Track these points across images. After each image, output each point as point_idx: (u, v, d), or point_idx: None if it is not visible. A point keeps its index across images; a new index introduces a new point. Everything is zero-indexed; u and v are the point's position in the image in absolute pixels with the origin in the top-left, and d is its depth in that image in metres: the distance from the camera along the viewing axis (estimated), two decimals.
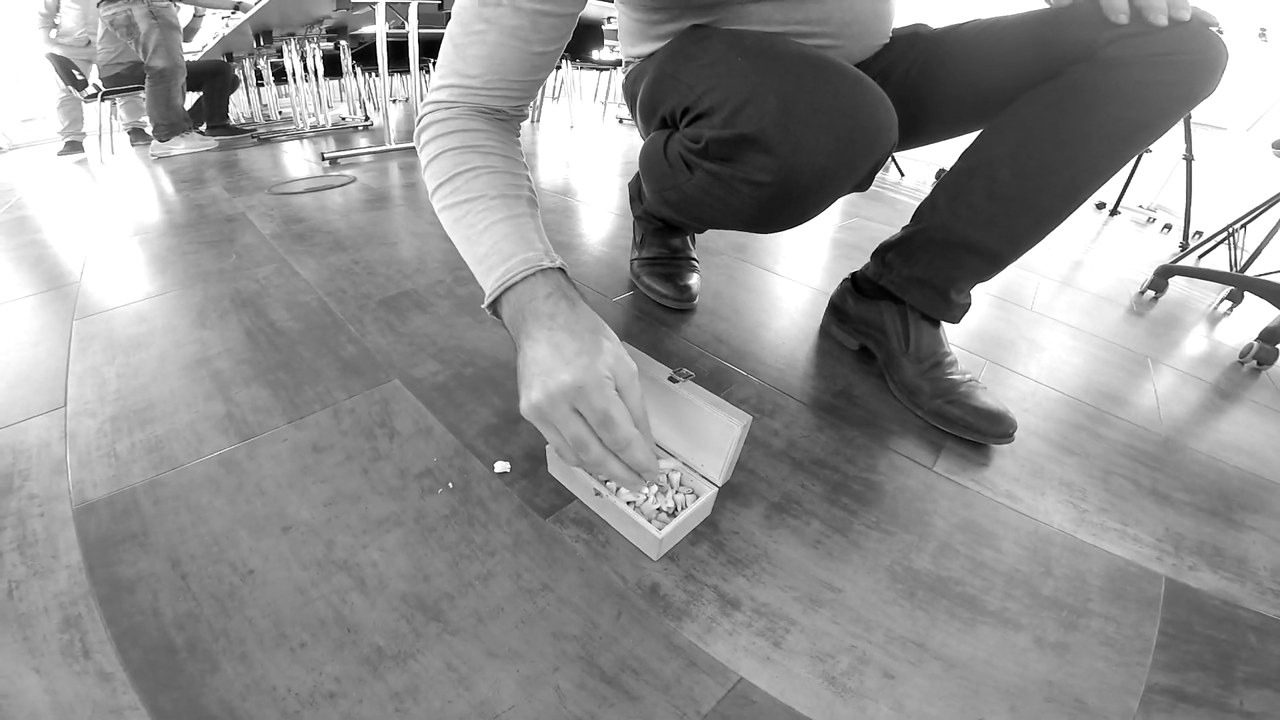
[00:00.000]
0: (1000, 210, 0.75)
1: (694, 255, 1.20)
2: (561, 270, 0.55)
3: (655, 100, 0.79)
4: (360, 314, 1.05)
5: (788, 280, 1.35)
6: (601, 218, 1.71)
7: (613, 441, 0.47)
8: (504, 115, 0.63)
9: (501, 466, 0.69)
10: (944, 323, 0.93)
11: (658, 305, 1.14)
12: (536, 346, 0.49)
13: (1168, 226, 2.73)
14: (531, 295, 0.52)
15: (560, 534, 0.62)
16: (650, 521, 0.59)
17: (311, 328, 1.00)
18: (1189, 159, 2.46)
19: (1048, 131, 0.69)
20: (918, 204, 0.88)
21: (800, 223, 0.74)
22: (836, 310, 1.06)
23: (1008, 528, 0.70)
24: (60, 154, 2.87)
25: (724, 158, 0.67)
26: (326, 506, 0.64)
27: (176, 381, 0.86)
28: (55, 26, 2.90)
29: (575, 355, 0.48)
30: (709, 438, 0.62)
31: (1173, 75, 0.62)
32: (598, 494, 0.61)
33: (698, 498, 0.63)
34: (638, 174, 1.15)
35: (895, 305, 0.94)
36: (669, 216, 1.01)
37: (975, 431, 0.81)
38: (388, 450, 0.72)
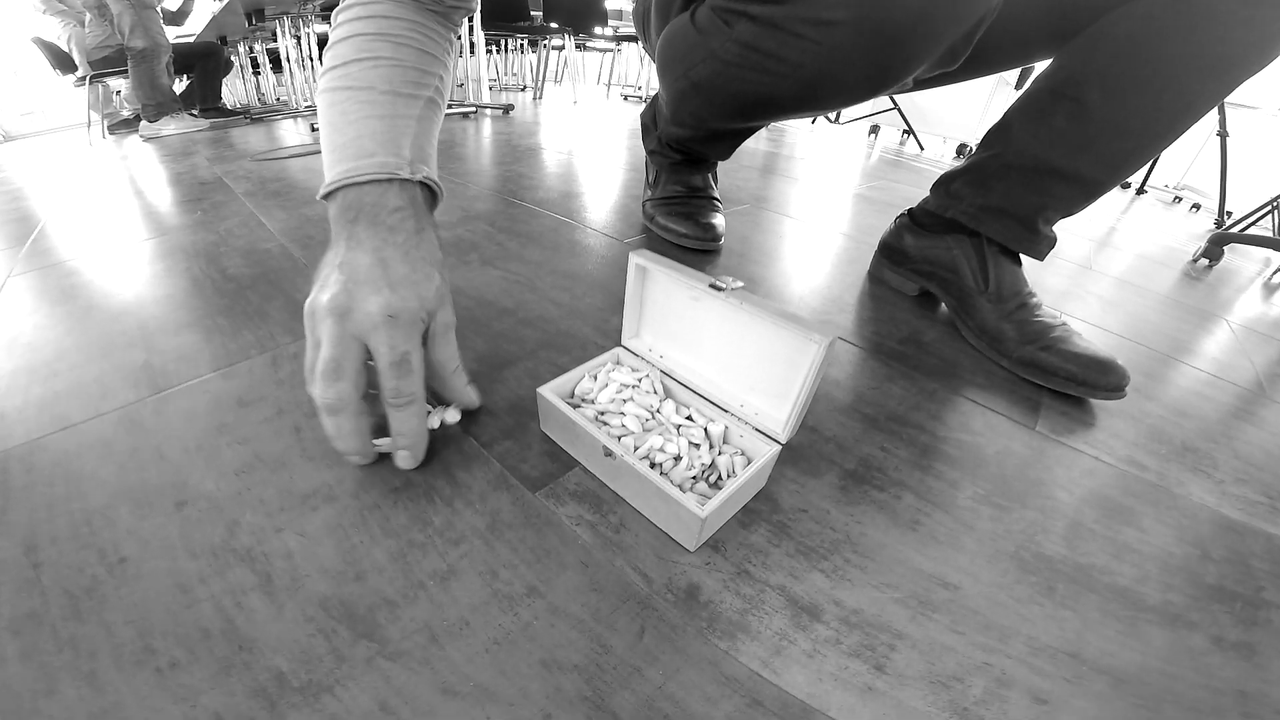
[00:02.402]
0: (1092, 134, 0.63)
1: (716, 195, 0.99)
2: (426, 186, 0.48)
3: None
4: None
5: (818, 228, 1.15)
6: (609, 171, 1.50)
7: (395, 391, 0.41)
8: (440, 5, 0.53)
9: (452, 416, 0.49)
10: (1024, 261, 0.75)
11: (676, 247, 0.94)
12: (359, 254, 0.42)
13: (1196, 206, 2.51)
14: (379, 202, 0.44)
15: (555, 514, 0.42)
16: (685, 493, 0.39)
17: (267, 272, 0.81)
18: (1223, 135, 2.24)
19: (1141, 51, 0.58)
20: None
21: (876, 90, 0.56)
22: (890, 251, 0.85)
23: (1143, 501, 0.52)
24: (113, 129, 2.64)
25: None
26: (239, 475, 0.45)
27: (97, 330, 0.67)
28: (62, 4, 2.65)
29: (400, 281, 0.41)
30: (769, 370, 0.41)
31: None
32: (609, 454, 0.41)
33: (749, 461, 0.42)
34: (652, 101, 0.97)
35: (969, 239, 0.75)
36: (693, 124, 0.81)
37: (1080, 384, 0.62)
38: None
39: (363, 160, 0.44)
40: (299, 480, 0.44)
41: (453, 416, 0.49)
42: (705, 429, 0.44)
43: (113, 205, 1.26)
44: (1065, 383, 0.63)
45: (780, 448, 0.41)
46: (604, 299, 0.74)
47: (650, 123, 0.96)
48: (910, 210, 0.84)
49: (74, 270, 0.86)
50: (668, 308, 0.47)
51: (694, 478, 0.41)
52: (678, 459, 0.42)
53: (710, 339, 0.45)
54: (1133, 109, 0.60)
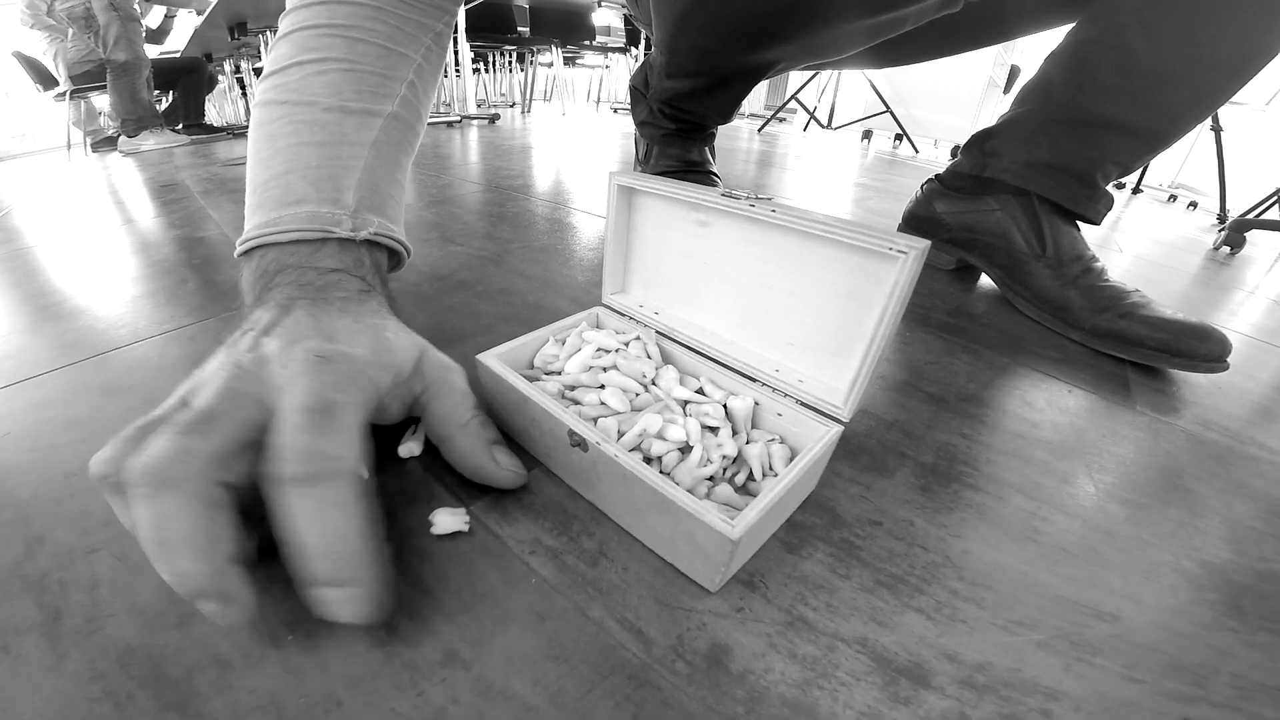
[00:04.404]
0: (1143, 85, 0.54)
1: (714, 169, 0.86)
2: (375, 245, 0.34)
3: None
4: None
5: (823, 209, 1.02)
6: (598, 163, 1.38)
7: (301, 451, 0.21)
8: None
9: (411, 449, 0.32)
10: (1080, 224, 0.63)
11: None
12: (273, 311, 0.27)
13: (1193, 204, 2.41)
14: (307, 263, 0.31)
15: (499, 537, 0.27)
16: (700, 501, 0.24)
17: (192, 258, 0.69)
18: (1217, 129, 2.15)
19: None
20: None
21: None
22: (918, 221, 0.72)
23: None
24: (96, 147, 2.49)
25: None
26: (68, 479, 0.32)
27: None
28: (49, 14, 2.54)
29: (341, 332, 0.27)
30: (819, 313, 0.27)
31: None
32: (577, 444, 0.26)
33: (793, 453, 0.28)
34: (642, 65, 0.84)
35: (1016, 199, 0.63)
36: (693, 65, 0.69)
37: (1175, 354, 0.49)
38: None
39: (287, 209, 0.32)
40: None
41: (417, 446, 0.32)
42: (725, 405, 0.29)
43: (63, 207, 1.14)
44: (1155, 354, 0.50)
45: (841, 429, 0.26)
46: (584, 273, 0.60)
47: (641, 87, 0.83)
48: (938, 175, 0.72)
49: None
50: (664, 243, 0.33)
51: (711, 478, 0.27)
52: (686, 449, 0.27)
53: (727, 279, 0.31)
54: (1184, 58, 0.51)
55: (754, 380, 0.30)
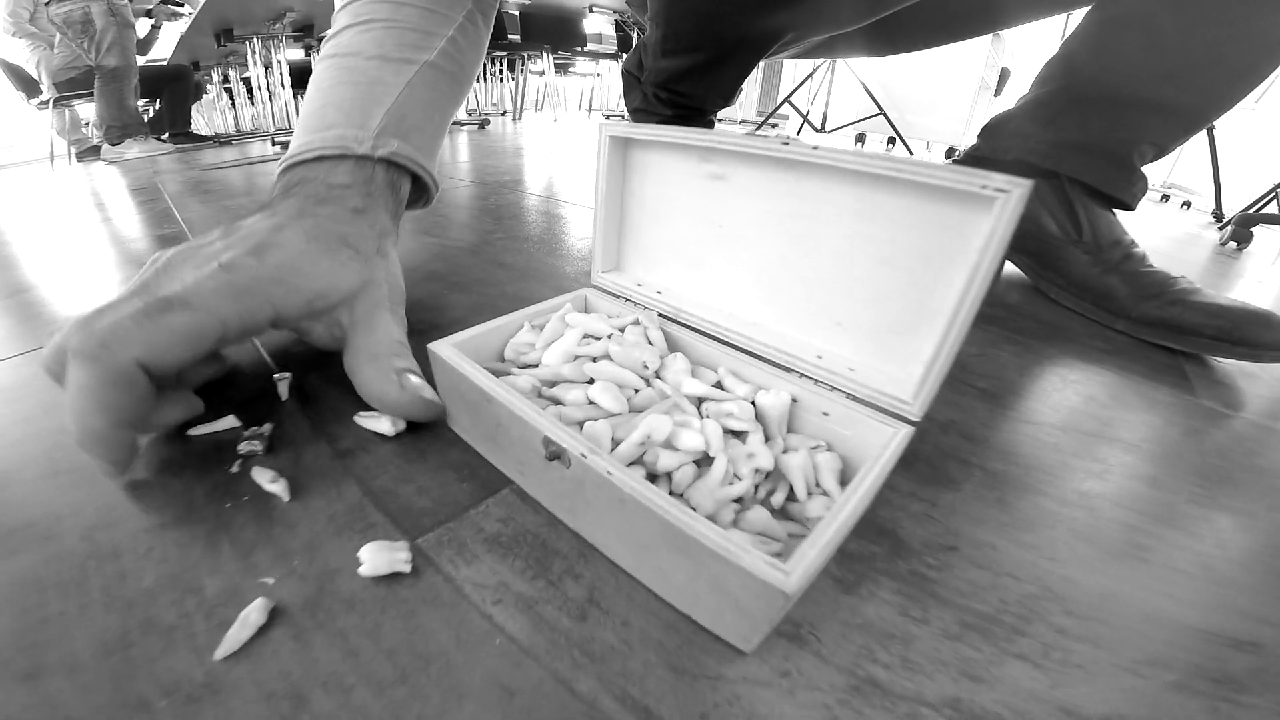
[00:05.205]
0: (1176, 64, 0.50)
1: None
2: (394, 165, 0.36)
3: None
4: None
5: None
6: (590, 161, 1.32)
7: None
8: None
9: (385, 426, 0.27)
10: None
11: None
12: (256, 219, 0.30)
13: (1187, 204, 2.39)
14: (322, 177, 0.33)
15: (453, 581, 0.20)
16: (727, 531, 0.17)
17: (146, 256, 0.63)
18: (1210, 128, 2.12)
19: None
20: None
21: None
22: None
23: None
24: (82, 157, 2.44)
25: None
26: None
27: None
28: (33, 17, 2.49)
29: (278, 245, 0.28)
30: (876, 281, 0.21)
31: None
32: (555, 457, 0.19)
33: (844, 466, 0.21)
34: (636, 49, 0.79)
35: (1044, 182, 0.57)
36: (691, 37, 0.64)
37: (1235, 343, 0.45)
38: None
39: (318, 134, 0.35)
40: (15, 507, 0.24)
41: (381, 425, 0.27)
42: (753, 403, 0.23)
43: (35, 211, 1.08)
44: (1212, 343, 0.45)
45: (911, 431, 0.20)
46: (573, 263, 0.54)
47: (634, 70, 0.77)
48: (955, 162, 0.66)
49: None
50: (668, 206, 0.27)
51: (739, 499, 0.20)
52: (704, 461, 0.20)
53: (749, 245, 0.24)
54: (1216, 34, 0.48)
55: (789, 370, 0.24)
